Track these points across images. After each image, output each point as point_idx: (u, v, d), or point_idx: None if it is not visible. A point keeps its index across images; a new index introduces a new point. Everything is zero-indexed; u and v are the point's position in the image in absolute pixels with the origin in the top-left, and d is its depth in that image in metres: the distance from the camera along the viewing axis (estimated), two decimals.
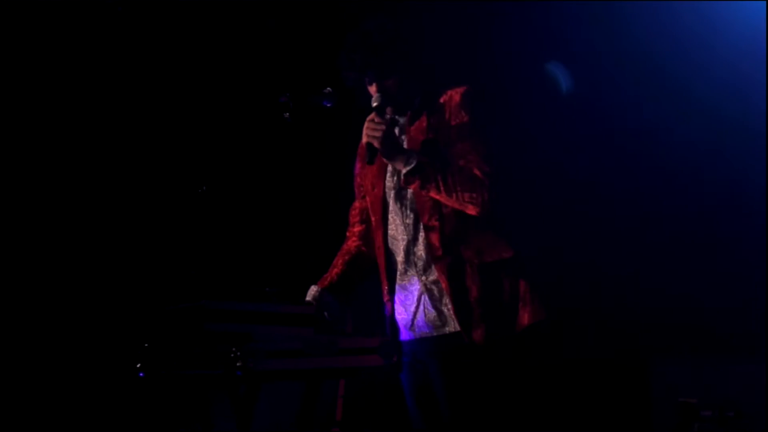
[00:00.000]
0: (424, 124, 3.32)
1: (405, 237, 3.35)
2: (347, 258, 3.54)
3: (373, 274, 3.48)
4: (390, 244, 3.40)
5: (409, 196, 3.33)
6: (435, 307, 3.28)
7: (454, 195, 3.18)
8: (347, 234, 3.61)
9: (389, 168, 3.38)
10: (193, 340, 2.91)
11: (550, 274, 5.00)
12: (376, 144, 3.20)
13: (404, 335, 3.38)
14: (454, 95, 3.29)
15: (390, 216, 3.39)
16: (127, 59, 5.11)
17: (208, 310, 2.86)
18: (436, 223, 3.26)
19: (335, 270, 3.51)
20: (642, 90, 5.23)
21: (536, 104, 5.26)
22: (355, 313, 3.61)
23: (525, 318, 3.23)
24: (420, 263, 3.32)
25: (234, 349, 2.78)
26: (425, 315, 3.31)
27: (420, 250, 3.31)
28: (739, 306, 4.88)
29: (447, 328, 3.26)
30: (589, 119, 5.28)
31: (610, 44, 5.23)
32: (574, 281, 5.19)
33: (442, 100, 3.31)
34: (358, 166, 3.56)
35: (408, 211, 3.34)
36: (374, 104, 3.27)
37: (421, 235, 3.30)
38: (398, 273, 3.38)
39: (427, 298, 3.30)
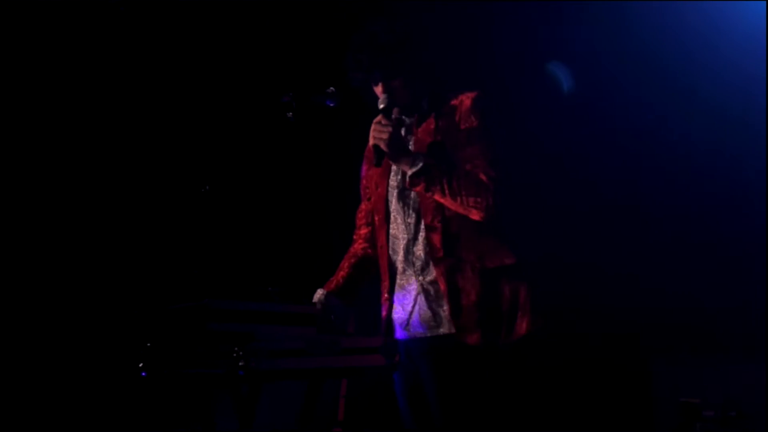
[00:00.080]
0: (432, 126, 3.33)
1: (405, 236, 3.35)
2: (353, 261, 3.55)
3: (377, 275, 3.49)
4: (391, 243, 3.40)
5: (412, 195, 3.33)
6: (431, 308, 3.29)
7: (458, 199, 3.18)
8: (354, 237, 3.62)
9: (393, 168, 3.38)
10: (196, 340, 2.91)
11: (552, 274, 5.02)
12: (382, 146, 3.20)
13: (399, 334, 3.38)
14: (465, 99, 3.29)
15: (392, 215, 3.40)
16: (130, 59, 5.11)
17: (210, 310, 2.85)
18: (439, 225, 3.26)
19: (341, 273, 3.53)
20: (642, 90, 5.23)
21: (538, 105, 5.26)
22: (357, 313, 3.61)
23: (522, 327, 3.23)
24: (418, 263, 3.32)
25: (236, 348, 2.78)
26: (420, 315, 3.31)
27: (419, 250, 3.32)
28: (741, 306, 4.88)
29: (441, 330, 3.27)
30: (590, 119, 5.29)
31: (610, 45, 5.23)
32: (575, 281, 5.19)
33: (452, 104, 3.31)
34: (364, 168, 3.57)
35: (410, 211, 3.34)
36: (381, 106, 3.28)
37: (422, 235, 3.31)
38: (397, 272, 3.38)
39: (423, 298, 3.30)
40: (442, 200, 3.21)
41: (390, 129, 3.21)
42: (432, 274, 3.28)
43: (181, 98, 5.20)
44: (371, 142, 3.24)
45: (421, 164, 3.19)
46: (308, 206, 5.46)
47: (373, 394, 3.52)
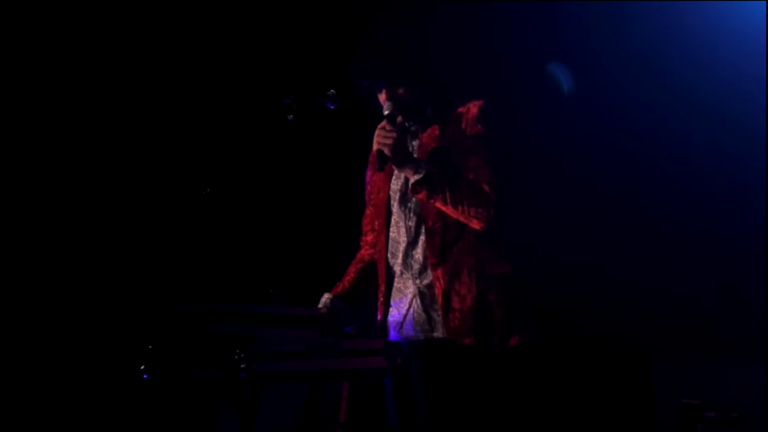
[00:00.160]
0: (437, 132, 3.33)
1: (405, 239, 3.36)
2: (360, 266, 3.57)
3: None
4: (391, 247, 3.41)
5: (413, 200, 3.33)
6: (425, 311, 3.30)
7: (460, 208, 3.19)
8: (361, 243, 3.62)
9: (395, 172, 3.38)
10: (198, 342, 2.90)
11: (552, 275, 5.03)
12: (386, 151, 3.21)
13: (393, 337, 3.39)
14: (471, 108, 3.30)
15: (393, 219, 3.41)
16: (132, 62, 5.11)
17: (212, 312, 2.86)
18: (439, 230, 3.26)
19: (348, 278, 3.55)
20: (642, 91, 5.23)
21: (539, 105, 5.26)
22: (358, 315, 3.61)
23: (516, 336, 3.23)
24: (416, 266, 3.33)
25: (238, 350, 2.78)
26: (414, 318, 3.32)
27: (418, 253, 3.33)
28: (743, 307, 4.88)
29: (435, 333, 3.27)
30: (590, 120, 5.28)
31: (610, 45, 5.23)
32: (576, 282, 5.19)
33: (459, 111, 3.31)
34: (369, 174, 3.57)
35: (411, 215, 3.35)
36: (386, 112, 3.28)
37: (422, 239, 3.31)
38: (395, 276, 3.39)
39: (419, 301, 3.31)
40: (443, 208, 3.22)
41: (394, 135, 3.21)
42: (429, 277, 3.29)
43: (182, 101, 5.20)
44: (375, 147, 3.24)
45: (424, 172, 3.20)
46: (309, 208, 5.46)
47: (375, 396, 3.51)
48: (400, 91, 3.32)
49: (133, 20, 5.06)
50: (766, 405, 4.40)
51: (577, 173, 5.29)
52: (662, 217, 5.23)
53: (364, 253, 3.60)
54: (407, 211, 3.36)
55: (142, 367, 3.08)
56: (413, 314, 3.32)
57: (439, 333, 3.26)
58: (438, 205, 3.23)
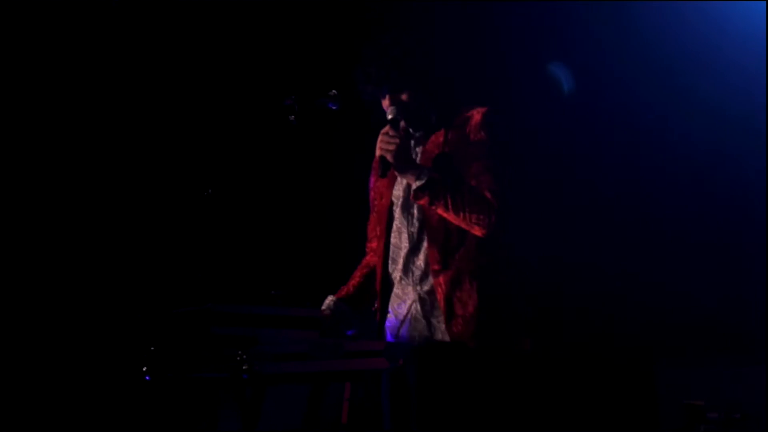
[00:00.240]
0: (441, 139, 3.33)
1: (407, 246, 3.36)
2: (365, 271, 3.57)
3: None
4: (391, 253, 3.41)
5: (416, 206, 3.33)
6: (425, 317, 3.30)
7: (461, 215, 3.19)
8: (366, 249, 3.63)
9: (398, 178, 3.38)
10: (200, 343, 2.90)
11: (554, 276, 5.03)
12: (389, 157, 3.21)
13: (390, 341, 3.39)
14: (475, 114, 3.30)
15: (395, 224, 3.41)
16: (135, 63, 5.11)
17: (214, 313, 2.85)
18: (442, 236, 3.26)
19: (352, 282, 3.56)
20: (643, 91, 5.23)
21: (539, 106, 5.26)
22: (361, 319, 3.61)
23: (513, 345, 3.24)
24: (417, 273, 3.33)
25: (240, 352, 2.78)
26: (411, 323, 3.32)
27: (419, 260, 3.33)
28: (745, 307, 4.88)
29: (434, 338, 3.27)
30: (590, 121, 5.29)
31: (610, 45, 5.23)
32: (578, 284, 5.19)
33: (462, 118, 3.31)
34: (372, 179, 3.57)
35: (414, 221, 3.35)
36: (389, 117, 3.28)
37: (424, 245, 3.32)
38: (395, 281, 3.39)
39: (418, 307, 3.32)
40: (445, 215, 3.22)
41: (397, 141, 3.21)
42: (430, 284, 3.29)
43: (184, 101, 5.20)
44: (378, 153, 3.24)
45: (426, 178, 3.20)
46: (311, 209, 5.46)
47: (377, 397, 3.51)
48: (404, 97, 3.32)
49: (135, 21, 5.06)
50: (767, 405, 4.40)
51: (577, 174, 5.30)
52: (664, 217, 5.24)
53: (370, 259, 3.60)
54: (410, 217, 3.36)
55: (144, 369, 3.07)
56: (411, 320, 3.33)
57: (438, 337, 3.26)
58: (440, 211, 3.23)
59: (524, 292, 3.31)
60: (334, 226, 5.28)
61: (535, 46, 5.31)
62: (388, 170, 3.27)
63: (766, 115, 4.87)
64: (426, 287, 3.31)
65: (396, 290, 3.40)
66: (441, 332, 3.25)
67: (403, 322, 3.35)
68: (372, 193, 3.58)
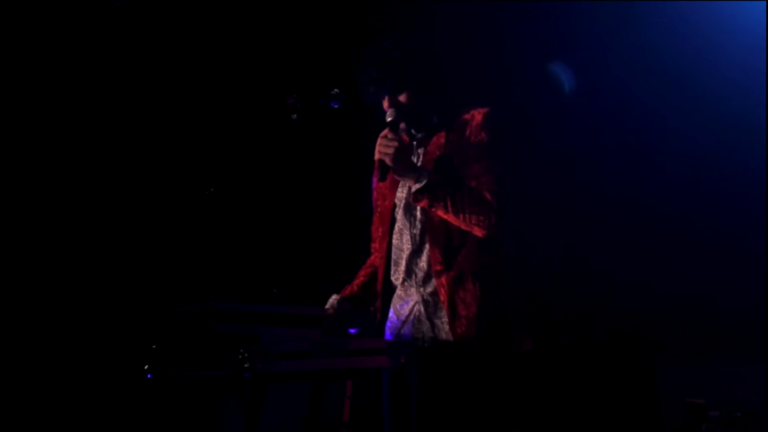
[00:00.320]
0: (443, 140, 3.33)
1: (409, 247, 3.36)
2: (370, 271, 3.58)
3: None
4: (393, 254, 3.41)
5: (418, 208, 3.33)
6: (429, 319, 3.30)
7: (461, 216, 3.19)
8: (371, 249, 3.63)
9: (401, 180, 3.38)
10: (201, 342, 2.91)
11: (556, 276, 5.03)
12: (388, 161, 3.21)
13: (391, 342, 3.39)
14: (476, 115, 3.30)
15: (397, 226, 3.41)
16: (137, 61, 5.11)
17: (216, 312, 2.85)
18: (442, 238, 3.26)
19: (357, 281, 3.57)
20: (644, 90, 5.23)
21: (539, 105, 5.26)
22: (364, 318, 3.62)
23: (516, 345, 3.24)
24: (420, 274, 3.33)
25: (242, 350, 2.78)
26: (414, 325, 3.32)
27: (422, 261, 3.33)
28: (747, 306, 4.87)
29: (437, 339, 3.27)
30: (591, 121, 5.28)
31: (610, 45, 5.23)
32: (579, 283, 5.19)
33: (463, 119, 3.31)
34: (375, 180, 3.57)
35: (416, 222, 3.35)
36: (388, 119, 3.28)
37: (426, 247, 3.32)
38: (398, 283, 3.39)
39: (422, 308, 3.32)
40: (445, 216, 3.22)
41: (396, 144, 3.21)
42: (433, 285, 3.29)
43: (186, 100, 5.20)
44: (377, 156, 3.24)
45: (425, 180, 3.20)
46: (313, 208, 5.46)
47: (378, 395, 3.52)
48: (403, 98, 3.32)
49: (138, 21, 5.07)
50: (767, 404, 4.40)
51: (577, 173, 5.29)
52: (665, 216, 5.23)
53: (374, 259, 3.60)
54: (412, 219, 3.36)
55: (146, 367, 3.08)
56: (414, 321, 3.33)
57: (441, 338, 3.26)
58: (440, 213, 3.23)
59: (526, 291, 3.31)
60: (336, 224, 5.29)
61: (537, 46, 5.30)
62: (387, 173, 3.27)
63: (766, 115, 4.87)
64: (429, 288, 3.31)
65: (399, 291, 3.41)
66: (445, 333, 3.25)
67: (405, 322, 3.35)
68: (375, 194, 3.58)
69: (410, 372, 3.30)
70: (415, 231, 3.35)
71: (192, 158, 5.13)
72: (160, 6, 5.11)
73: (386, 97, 3.33)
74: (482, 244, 3.24)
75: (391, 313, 3.42)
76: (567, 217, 5.29)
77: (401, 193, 3.41)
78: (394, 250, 3.41)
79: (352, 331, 3.43)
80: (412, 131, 3.39)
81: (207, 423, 3.28)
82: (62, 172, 5.00)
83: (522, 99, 5.16)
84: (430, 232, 3.29)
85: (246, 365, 2.77)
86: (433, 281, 3.28)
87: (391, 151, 3.20)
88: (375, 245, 3.60)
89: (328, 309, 3.44)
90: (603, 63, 5.26)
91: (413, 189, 3.23)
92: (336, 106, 3.37)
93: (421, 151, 3.40)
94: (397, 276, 3.40)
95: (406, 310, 3.36)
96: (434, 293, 3.29)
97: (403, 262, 3.37)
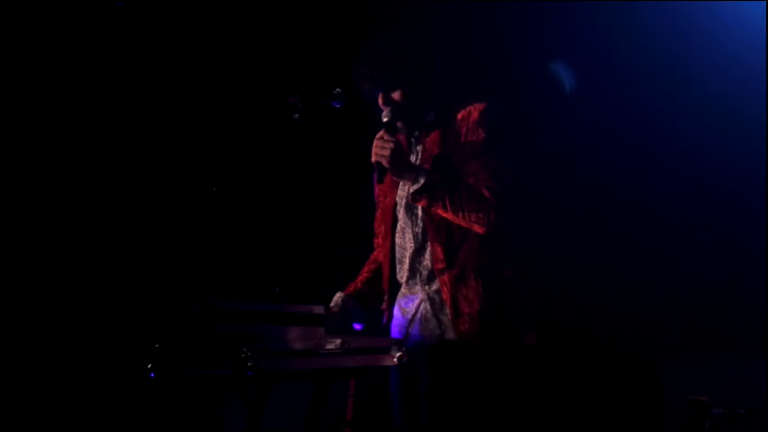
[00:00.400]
0: (440, 137, 3.32)
1: (412, 246, 3.36)
2: (373, 267, 3.58)
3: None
4: (397, 253, 3.41)
5: (419, 206, 3.33)
6: (435, 316, 3.30)
7: (460, 214, 3.19)
8: (374, 245, 3.63)
9: None
10: (204, 341, 2.91)
11: (559, 274, 5.03)
12: (384, 163, 3.20)
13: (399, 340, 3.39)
14: (473, 111, 3.29)
15: (399, 225, 3.41)
16: (139, 61, 5.12)
17: (218, 311, 2.86)
18: (444, 236, 3.26)
19: (360, 278, 3.57)
20: (644, 89, 5.23)
21: (539, 104, 5.26)
22: (369, 315, 3.62)
23: (526, 339, 3.24)
24: (425, 272, 3.33)
25: (244, 349, 2.78)
26: (422, 323, 3.32)
27: (426, 260, 3.33)
28: (751, 303, 4.87)
29: (445, 336, 3.27)
30: (591, 119, 5.28)
31: (610, 44, 5.22)
32: (583, 281, 5.18)
33: (461, 116, 3.30)
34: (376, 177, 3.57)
35: (418, 221, 3.35)
36: (384, 119, 3.27)
37: (429, 245, 3.31)
38: (403, 281, 3.39)
39: (428, 306, 3.32)
40: (444, 214, 3.22)
41: (392, 145, 3.20)
42: (437, 283, 3.29)
43: (188, 99, 5.21)
44: (373, 158, 3.23)
45: (423, 180, 3.19)
46: (315, 207, 5.46)
47: (382, 394, 3.52)
48: (397, 96, 3.31)
49: (140, 20, 5.07)
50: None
51: (579, 171, 5.29)
52: (669, 216, 5.23)
53: (377, 255, 3.60)
54: (414, 217, 3.36)
55: (149, 366, 3.08)
56: (421, 319, 3.33)
57: (448, 336, 3.26)
58: (439, 212, 3.23)
59: (529, 286, 3.31)
60: (338, 223, 5.29)
61: (536, 42, 5.30)
62: (384, 175, 3.26)
63: (766, 115, 4.87)
64: (434, 287, 3.31)
65: (404, 290, 3.41)
66: (451, 330, 3.25)
67: (412, 321, 3.35)
68: (377, 189, 3.58)
69: (419, 370, 3.31)
70: (417, 229, 3.35)
71: (194, 158, 5.13)
72: (161, 6, 5.12)
73: (381, 95, 3.32)
74: (483, 240, 3.24)
75: (396, 311, 3.42)
76: (568, 215, 5.28)
77: (402, 192, 3.40)
78: (397, 248, 3.41)
79: (357, 327, 3.43)
80: (409, 129, 3.38)
81: (210, 422, 3.28)
82: (65, 171, 5.01)
83: (521, 96, 5.16)
84: (432, 230, 3.29)
85: (249, 364, 2.77)
86: (437, 279, 3.28)
87: (387, 153, 3.19)
88: (378, 240, 3.59)
89: (332, 307, 3.44)
90: (602, 61, 5.26)
91: (411, 189, 3.23)
92: (338, 106, 3.37)
93: (419, 148, 3.39)
94: (402, 274, 3.40)
95: (412, 308, 3.36)
96: (439, 291, 3.29)
97: (407, 261, 3.37)
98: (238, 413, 2.99)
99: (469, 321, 3.20)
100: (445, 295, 3.25)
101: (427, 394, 3.25)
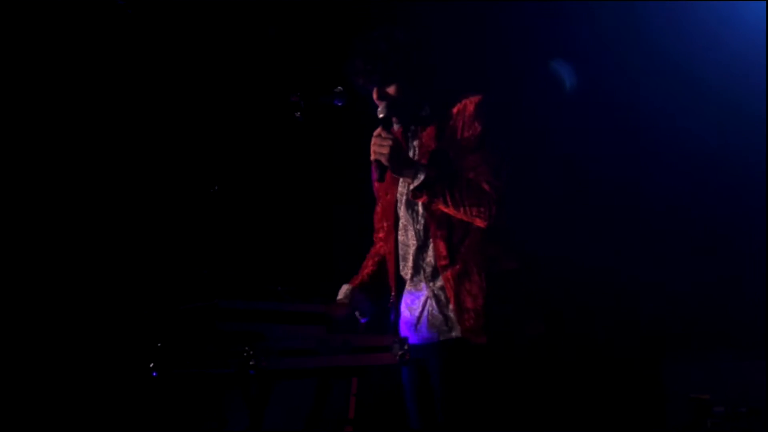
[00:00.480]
0: (436, 131, 3.31)
1: (415, 243, 3.36)
2: (377, 259, 3.57)
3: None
4: (400, 250, 3.41)
5: (419, 203, 3.32)
6: (441, 312, 3.30)
7: (461, 209, 3.18)
8: (374, 239, 3.62)
9: None
10: (206, 339, 2.91)
11: (561, 273, 5.03)
12: (383, 160, 3.19)
13: (409, 338, 3.38)
14: (468, 104, 3.27)
15: (401, 222, 3.40)
16: (140, 60, 5.12)
17: (220, 309, 2.86)
18: (445, 232, 3.26)
19: (366, 270, 3.55)
20: (644, 89, 5.23)
21: (539, 102, 5.26)
22: (375, 308, 3.61)
23: (531, 330, 3.24)
24: (428, 269, 3.32)
25: (247, 348, 2.78)
26: (429, 320, 3.32)
27: (429, 256, 3.32)
28: (752, 301, 4.87)
29: (453, 333, 3.27)
30: (592, 118, 5.28)
31: (610, 43, 5.23)
32: (585, 280, 5.19)
33: (455, 110, 3.28)
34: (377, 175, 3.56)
35: (419, 218, 3.34)
36: (380, 115, 3.26)
37: (431, 242, 3.30)
38: (407, 278, 3.39)
39: (434, 303, 3.31)
40: (446, 210, 3.21)
41: (390, 142, 3.19)
42: (441, 280, 3.28)
43: (190, 98, 5.21)
44: (372, 157, 3.22)
45: (423, 176, 3.18)
46: (317, 205, 5.46)
47: (384, 392, 3.52)
48: (391, 90, 3.30)
49: (142, 19, 5.07)
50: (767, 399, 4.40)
51: (579, 171, 5.30)
52: (671, 215, 5.24)
53: (379, 248, 3.59)
54: (415, 214, 3.35)
55: (151, 365, 3.08)
56: (428, 316, 3.32)
57: (457, 332, 3.26)
58: (440, 207, 3.22)
59: (533, 276, 3.30)
60: (340, 222, 5.29)
61: (536, 39, 5.30)
62: (384, 173, 3.24)
63: (766, 114, 4.87)
64: (439, 283, 3.30)
65: (408, 287, 3.40)
66: (458, 325, 3.24)
67: (419, 318, 3.35)
68: (376, 184, 3.57)
69: (431, 370, 3.31)
70: (418, 226, 3.35)
71: (196, 156, 5.13)
72: (163, 5, 5.12)
73: (375, 90, 3.31)
74: (485, 234, 3.23)
75: (403, 308, 3.42)
76: (569, 214, 5.29)
77: (402, 188, 3.40)
78: (400, 246, 3.41)
79: (363, 320, 3.42)
80: (405, 124, 3.38)
81: (212, 420, 3.28)
82: (69, 171, 5.01)
83: (518, 90, 5.15)
84: (433, 226, 3.28)
85: (251, 363, 2.77)
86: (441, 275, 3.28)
87: (386, 150, 3.18)
88: (379, 235, 3.59)
89: (342, 299, 3.42)
90: (602, 59, 5.26)
91: (411, 186, 3.22)
92: (340, 104, 3.36)
93: (416, 143, 3.38)
94: (406, 271, 3.40)
95: (418, 306, 3.36)
96: (443, 287, 3.29)
97: (411, 258, 3.37)
98: (240, 412, 2.99)
99: (474, 317, 3.20)
100: (449, 293, 3.25)
101: (440, 391, 3.25)
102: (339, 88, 3.35)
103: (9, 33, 4.87)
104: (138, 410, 4.86)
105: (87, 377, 4.86)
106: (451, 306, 3.26)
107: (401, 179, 3.38)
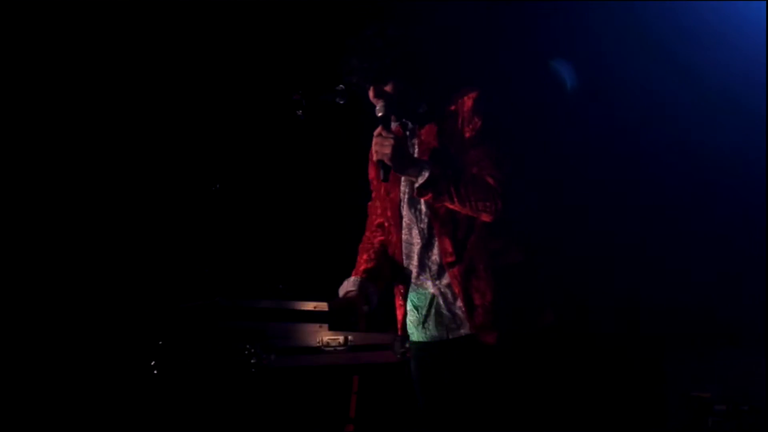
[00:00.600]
0: (435, 127, 3.30)
1: (419, 242, 3.34)
2: (377, 248, 3.50)
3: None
4: (405, 249, 3.40)
5: (422, 201, 3.31)
6: (449, 310, 3.28)
7: (467, 204, 3.17)
8: (366, 225, 3.58)
9: None
10: (208, 337, 2.91)
11: (563, 270, 5.03)
12: (386, 160, 3.16)
13: (416, 337, 3.38)
14: (466, 101, 3.25)
15: (404, 221, 3.39)
16: (140, 58, 5.12)
17: (222, 307, 2.86)
18: (450, 229, 3.25)
19: (366, 264, 3.47)
20: (645, 88, 5.23)
21: (538, 100, 5.26)
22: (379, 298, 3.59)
23: (537, 322, 3.23)
24: (434, 267, 3.31)
25: (248, 345, 2.79)
26: (436, 318, 3.31)
27: (434, 254, 3.30)
28: (754, 299, 4.87)
29: (462, 330, 3.25)
30: (592, 115, 5.28)
31: (610, 41, 5.23)
32: (587, 276, 5.19)
33: (453, 107, 3.28)
34: (372, 171, 3.55)
35: (422, 216, 3.33)
36: (378, 114, 3.24)
37: (436, 240, 3.30)
38: (412, 277, 3.38)
39: (441, 301, 3.29)
40: (451, 207, 3.21)
41: (391, 141, 3.16)
42: (447, 277, 3.28)
43: (190, 97, 5.21)
44: (375, 157, 3.20)
45: (427, 174, 3.17)
46: (318, 204, 5.46)
47: (386, 390, 3.52)
48: (388, 88, 3.27)
49: (142, 18, 5.08)
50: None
51: (582, 166, 5.30)
52: (673, 212, 5.23)
53: (374, 239, 3.55)
54: (418, 213, 3.34)
55: (152, 363, 3.08)
56: (435, 314, 3.31)
57: (466, 330, 3.24)
58: (446, 204, 3.21)
59: (539, 267, 3.30)
60: (341, 220, 5.28)
61: (535, 38, 5.30)
62: (388, 173, 3.21)
63: (766, 113, 4.88)
64: (445, 281, 3.29)
65: (415, 285, 3.39)
66: (467, 322, 3.23)
67: (427, 317, 3.34)
68: (374, 182, 3.53)
69: (441, 365, 3.30)
70: (422, 225, 3.34)
71: (197, 155, 5.13)
72: (163, 5, 5.12)
73: (372, 88, 3.30)
74: (491, 228, 3.22)
75: (409, 307, 3.41)
76: (570, 213, 5.29)
77: (404, 187, 3.38)
78: (404, 244, 3.39)
79: (368, 309, 3.41)
80: (403, 121, 3.37)
81: (214, 419, 3.28)
82: (70, 170, 5.01)
83: (517, 86, 5.15)
84: (437, 224, 3.27)
85: (252, 360, 2.77)
86: (447, 273, 3.28)
87: (388, 150, 3.17)
88: (373, 223, 3.55)
89: (352, 291, 3.39)
90: (602, 57, 5.26)
91: (416, 185, 3.21)
92: (341, 102, 3.36)
93: (415, 141, 3.37)
94: (411, 270, 3.39)
95: (425, 304, 3.35)
96: (450, 285, 3.27)
97: (415, 257, 3.35)
98: (242, 410, 3.00)
99: (483, 313, 3.19)
100: (456, 289, 3.23)
101: (453, 390, 3.24)
102: (340, 86, 3.34)
103: (9, 33, 4.87)
104: (139, 409, 4.86)
105: (88, 376, 4.86)
106: (458, 303, 3.25)
107: (402, 178, 3.37)
